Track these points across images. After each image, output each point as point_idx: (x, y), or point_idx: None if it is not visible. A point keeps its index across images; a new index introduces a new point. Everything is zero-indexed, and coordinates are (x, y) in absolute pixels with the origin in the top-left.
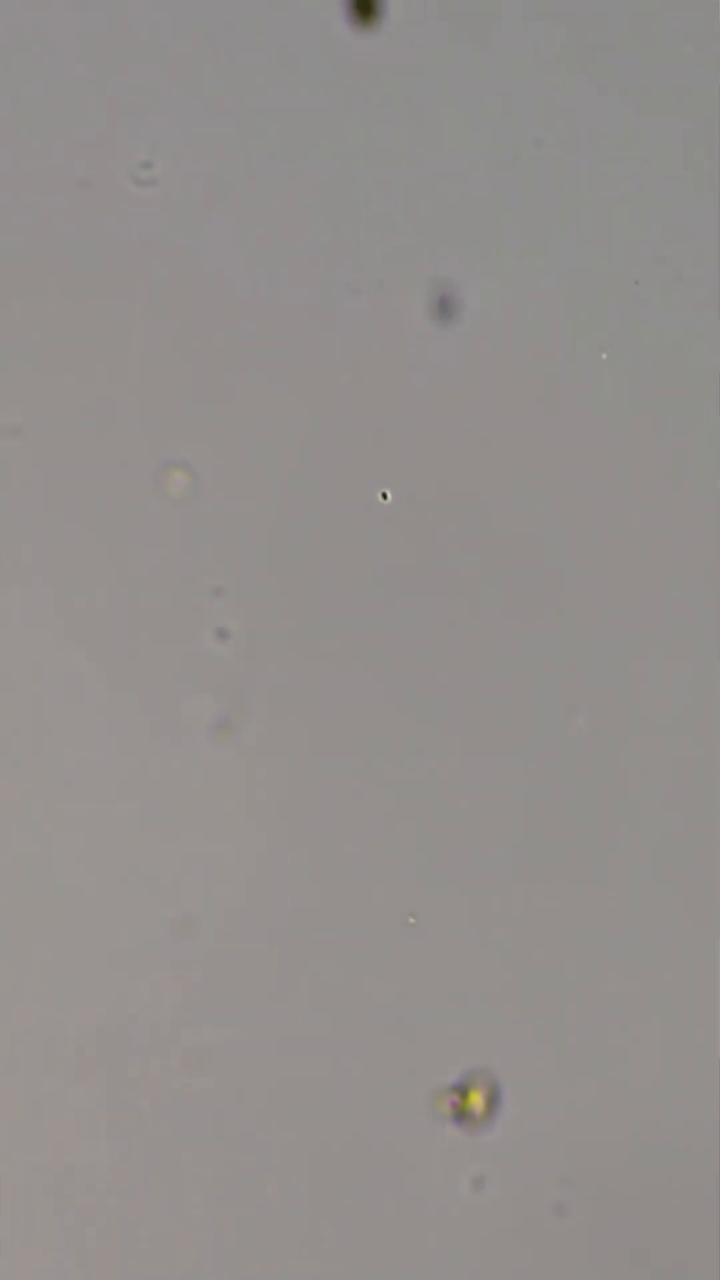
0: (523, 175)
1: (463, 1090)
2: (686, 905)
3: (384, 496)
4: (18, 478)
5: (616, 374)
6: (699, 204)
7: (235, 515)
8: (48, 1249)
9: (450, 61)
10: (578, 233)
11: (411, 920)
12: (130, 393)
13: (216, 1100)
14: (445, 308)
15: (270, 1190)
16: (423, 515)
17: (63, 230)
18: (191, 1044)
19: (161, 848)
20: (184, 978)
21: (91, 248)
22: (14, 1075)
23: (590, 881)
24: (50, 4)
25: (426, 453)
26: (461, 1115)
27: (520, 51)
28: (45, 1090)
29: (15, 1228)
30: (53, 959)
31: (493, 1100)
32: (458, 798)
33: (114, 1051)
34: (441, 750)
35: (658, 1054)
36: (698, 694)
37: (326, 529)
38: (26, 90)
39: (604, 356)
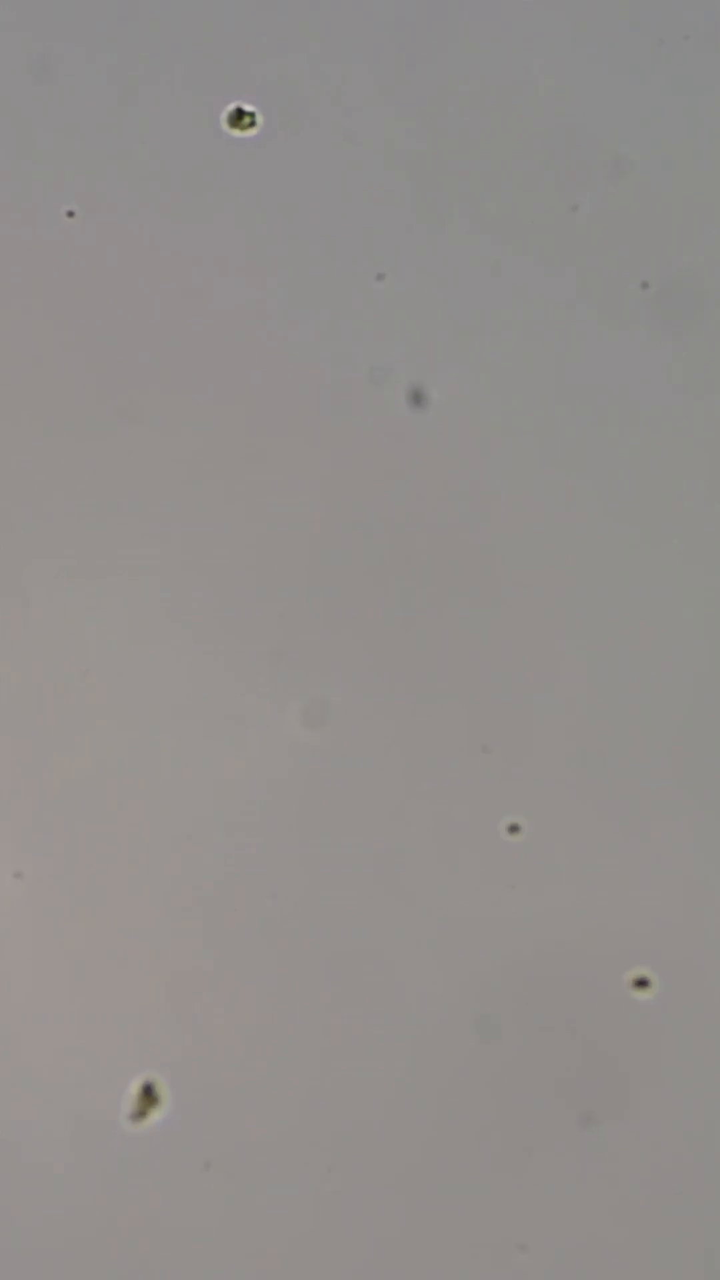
0: (487, 293)
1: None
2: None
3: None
4: None
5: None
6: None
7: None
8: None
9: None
10: (524, 336)
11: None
12: (131, 474)
13: None
14: (418, 399)
15: None
16: (405, 554)
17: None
18: None
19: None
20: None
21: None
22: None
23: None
24: None
25: (403, 506)
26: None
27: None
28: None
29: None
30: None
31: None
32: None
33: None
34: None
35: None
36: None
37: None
38: None
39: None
